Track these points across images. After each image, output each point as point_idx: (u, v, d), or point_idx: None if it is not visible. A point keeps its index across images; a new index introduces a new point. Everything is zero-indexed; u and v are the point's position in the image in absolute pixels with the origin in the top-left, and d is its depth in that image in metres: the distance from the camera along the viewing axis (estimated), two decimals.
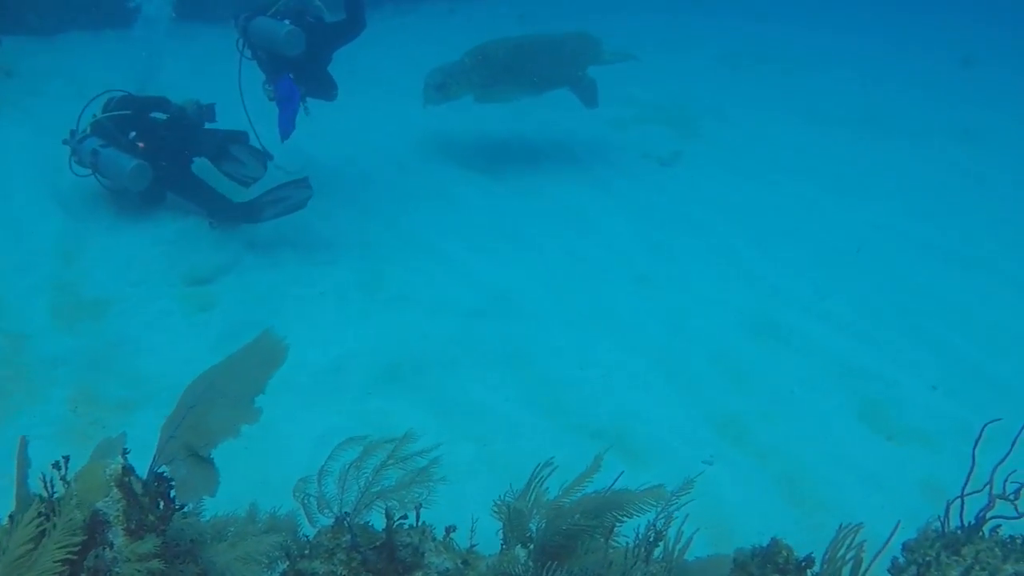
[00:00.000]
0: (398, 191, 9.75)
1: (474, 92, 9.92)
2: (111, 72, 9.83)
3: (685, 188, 10.49)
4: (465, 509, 5.42)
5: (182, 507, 3.85)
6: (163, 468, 3.86)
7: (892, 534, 4.18)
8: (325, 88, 9.27)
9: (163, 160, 8.31)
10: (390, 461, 4.20)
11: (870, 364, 7.24)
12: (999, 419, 4.22)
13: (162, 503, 3.77)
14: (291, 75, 8.83)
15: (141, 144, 8.27)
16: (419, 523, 4.13)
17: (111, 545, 3.39)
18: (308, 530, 4.17)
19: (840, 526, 4.14)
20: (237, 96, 8.88)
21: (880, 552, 4.10)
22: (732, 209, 9.97)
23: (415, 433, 4.43)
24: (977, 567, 4.03)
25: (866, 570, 4.10)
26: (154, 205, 8.58)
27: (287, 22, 8.60)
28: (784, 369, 7.09)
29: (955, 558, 4.13)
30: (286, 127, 8.83)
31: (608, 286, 8.14)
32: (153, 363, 6.59)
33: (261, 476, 5.53)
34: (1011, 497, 4.03)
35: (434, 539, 4.15)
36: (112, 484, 3.54)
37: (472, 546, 4.22)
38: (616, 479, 4.23)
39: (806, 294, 8.24)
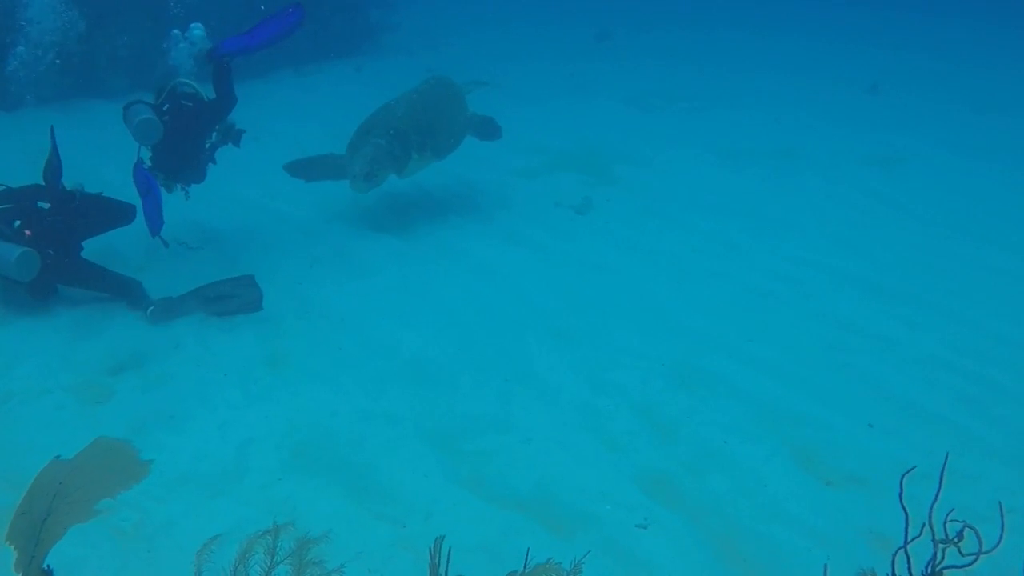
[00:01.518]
0: (301, 257, 9.41)
1: (396, 168, 9.66)
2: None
3: (600, 235, 10.24)
4: None
5: None
6: None
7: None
8: (194, 172, 9.06)
9: (51, 248, 7.81)
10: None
11: (801, 406, 7.00)
12: (913, 467, 4.10)
13: None
14: (145, 165, 8.57)
15: (28, 232, 7.79)
16: None
17: None
18: None
19: None
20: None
21: None
22: (649, 254, 9.76)
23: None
24: None
25: None
26: (43, 299, 8.04)
27: (146, 111, 8.36)
28: (713, 419, 6.82)
29: None
30: (152, 221, 8.44)
31: (525, 343, 7.83)
32: (43, 463, 6.13)
33: None
34: (955, 540, 3.74)
35: None
36: None
37: None
38: None
39: (730, 338, 7.99)
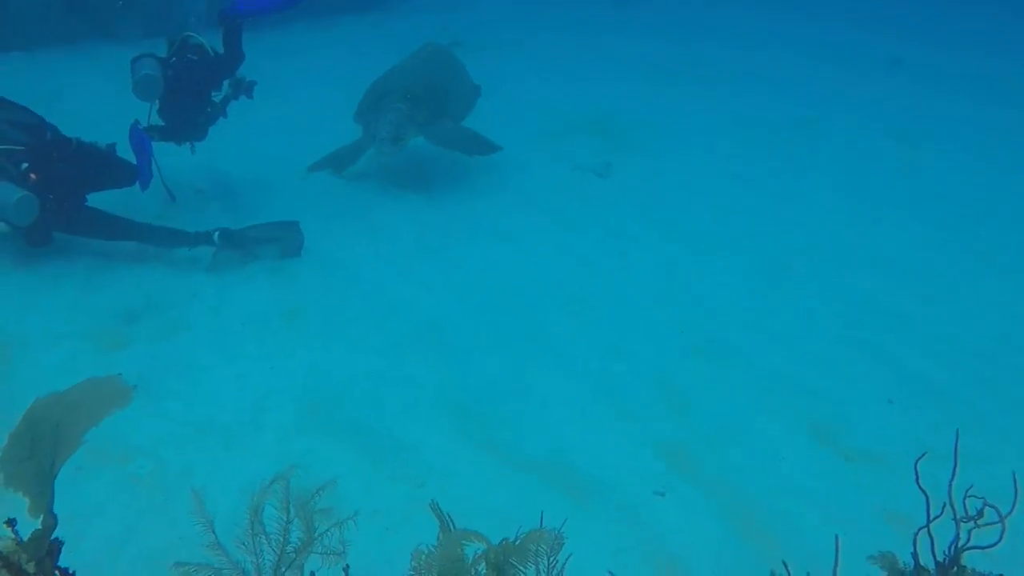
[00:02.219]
0: (319, 213, 9.29)
1: (424, 133, 9.62)
2: None
3: (619, 201, 10.14)
4: (401, 558, 5.05)
5: None
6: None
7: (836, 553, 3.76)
8: (195, 129, 8.97)
9: (52, 194, 7.61)
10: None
11: (818, 381, 6.96)
12: (924, 453, 3.96)
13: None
14: (142, 125, 8.46)
15: (33, 176, 7.54)
16: None
17: None
18: None
19: None
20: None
21: None
22: (668, 222, 9.66)
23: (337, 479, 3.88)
24: None
25: None
26: (39, 245, 7.90)
27: (148, 66, 8.28)
28: (730, 391, 6.79)
29: None
30: (143, 176, 8.31)
31: (543, 310, 7.78)
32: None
33: (180, 530, 5.11)
34: (975, 518, 3.71)
35: None
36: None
37: None
38: None
39: (748, 310, 7.94)
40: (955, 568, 3.85)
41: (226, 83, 9.03)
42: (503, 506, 5.46)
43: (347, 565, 3.70)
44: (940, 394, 6.92)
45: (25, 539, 3.25)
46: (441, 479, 5.72)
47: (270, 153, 10.59)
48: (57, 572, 3.42)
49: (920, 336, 7.66)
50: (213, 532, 3.94)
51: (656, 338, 7.42)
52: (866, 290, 8.40)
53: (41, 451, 3.54)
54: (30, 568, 3.20)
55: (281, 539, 3.78)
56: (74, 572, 3.40)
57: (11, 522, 3.24)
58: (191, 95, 8.68)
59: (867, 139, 12.49)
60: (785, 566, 3.73)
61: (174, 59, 8.53)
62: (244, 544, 3.83)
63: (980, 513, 3.71)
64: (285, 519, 3.82)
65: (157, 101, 8.56)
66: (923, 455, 3.86)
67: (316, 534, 3.76)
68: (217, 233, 8.01)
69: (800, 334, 7.60)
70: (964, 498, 3.70)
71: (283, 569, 3.71)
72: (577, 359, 7.12)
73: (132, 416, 6.08)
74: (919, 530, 3.91)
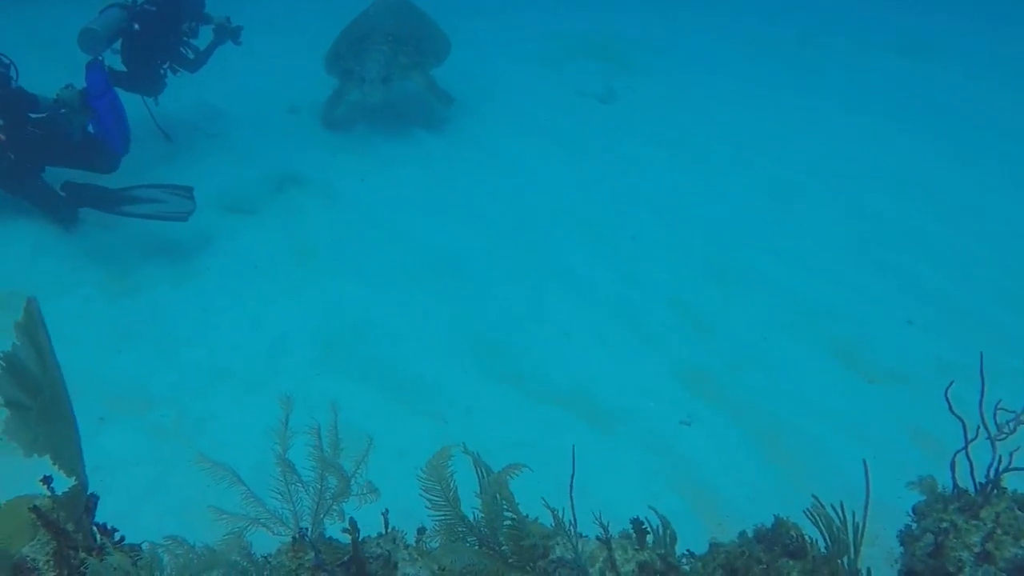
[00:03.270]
0: (323, 148, 9.16)
1: (403, 75, 9.31)
2: None
3: (626, 126, 9.98)
4: None
5: (121, 539, 3.40)
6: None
7: (867, 480, 3.71)
8: (153, 82, 8.55)
9: (12, 154, 7.27)
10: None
11: (838, 302, 6.93)
12: (952, 382, 3.83)
13: (98, 535, 3.35)
14: (103, 66, 7.74)
15: (2, 136, 7.23)
16: (388, 529, 3.69)
17: None
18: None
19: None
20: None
21: (866, 509, 3.68)
22: (677, 146, 9.52)
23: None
24: (999, 530, 3.69)
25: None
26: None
27: (96, 22, 7.71)
28: (750, 315, 6.75)
29: (974, 522, 3.78)
30: (111, 135, 7.63)
31: (556, 238, 7.71)
32: (80, 358, 6.03)
33: (207, 478, 5.04)
34: (1009, 431, 3.67)
35: (406, 545, 3.71)
36: (39, 524, 3.08)
37: (443, 542, 3.74)
38: None
39: (763, 232, 7.87)
40: (994, 490, 3.82)
41: (211, 28, 8.80)
42: (528, 439, 5.43)
43: (386, 509, 3.65)
44: (960, 311, 6.90)
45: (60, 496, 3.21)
46: (464, 414, 5.70)
47: (265, 90, 10.30)
48: (95, 528, 3.38)
49: (937, 253, 7.62)
50: (242, 482, 3.84)
51: (673, 263, 7.36)
52: (881, 208, 8.33)
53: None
54: (69, 527, 3.15)
55: (319, 486, 3.71)
56: (113, 528, 3.37)
57: (47, 480, 3.19)
58: (148, 46, 8.31)
59: (870, 54, 12.28)
60: (816, 500, 3.66)
61: (137, 7, 8.12)
62: (280, 493, 3.76)
63: (1013, 427, 3.68)
64: (320, 467, 3.74)
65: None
66: (951, 383, 3.77)
67: (350, 477, 3.69)
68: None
69: (816, 255, 7.54)
70: (995, 413, 3.66)
71: (321, 515, 3.65)
72: (595, 286, 7.07)
73: (151, 363, 6.04)
74: (956, 453, 3.87)
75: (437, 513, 3.64)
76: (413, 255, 7.40)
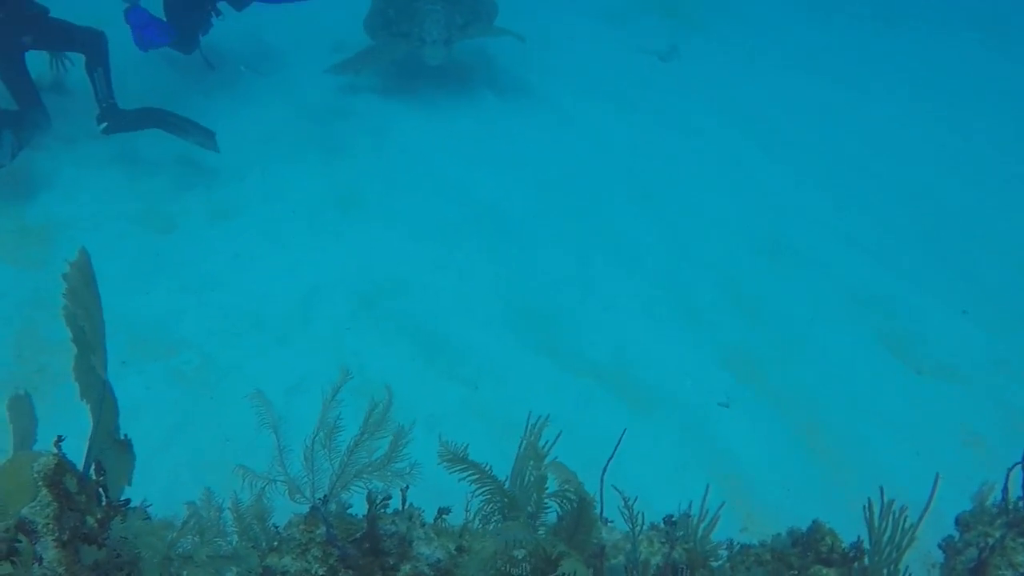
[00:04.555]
0: (377, 97, 8.87)
1: (462, 34, 8.83)
2: None
3: (686, 88, 9.63)
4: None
5: (125, 503, 3.26)
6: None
7: (932, 494, 3.47)
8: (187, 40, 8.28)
9: None
10: (365, 434, 3.47)
11: (894, 289, 6.66)
12: None
13: (104, 499, 3.21)
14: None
15: None
16: (405, 505, 3.52)
17: (40, 560, 2.81)
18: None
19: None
20: None
21: (922, 517, 3.45)
22: (737, 111, 9.17)
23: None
24: None
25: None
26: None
27: None
28: (800, 297, 6.51)
29: (1022, 541, 3.57)
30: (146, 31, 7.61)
31: (608, 202, 7.46)
32: (107, 296, 5.91)
33: (226, 431, 4.95)
34: None
35: (423, 524, 3.54)
36: (41, 484, 2.94)
37: (468, 523, 3.55)
38: None
39: (822, 209, 7.58)
40: None
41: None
42: (560, 413, 5.21)
43: (406, 485, 3.46)
44: (1018, 303, 6.58)
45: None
46: (496, 382, 5.53)
47: (322, 27, 10.05)
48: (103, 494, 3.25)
49: (1001, 245, 7.28)
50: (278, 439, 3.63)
51: (725, 237, 7.11)
52: (946, 194, 7.97)
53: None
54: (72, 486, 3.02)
55: (345, 458, 3.51)
56: (126, 500, 3.23)
57: (59, 440, 3.06)
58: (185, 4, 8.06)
59: (951, 32, 11.70)
60: (870, 503, 3.45)
61: None
62: (306, 459, 3.57)
63: None
64: (354, 441, 3.52)
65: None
66: None
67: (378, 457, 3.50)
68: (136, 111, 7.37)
69: (875, 238, 7.26)
70: None
71: (339, 489, 3.48)
72: (643, 256, 6.84)
73: (179, 306, 5.92)
74: (1013, 467, 3.66)
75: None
76: (460, 208, 7.20)
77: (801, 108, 9.35)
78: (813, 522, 3.63)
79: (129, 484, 3.40)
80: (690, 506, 3.64)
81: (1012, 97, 9.92)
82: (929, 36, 11.48)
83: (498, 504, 3.41)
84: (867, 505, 3.44)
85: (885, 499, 3.42)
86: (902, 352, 6.05)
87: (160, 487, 4.57)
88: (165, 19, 7.87)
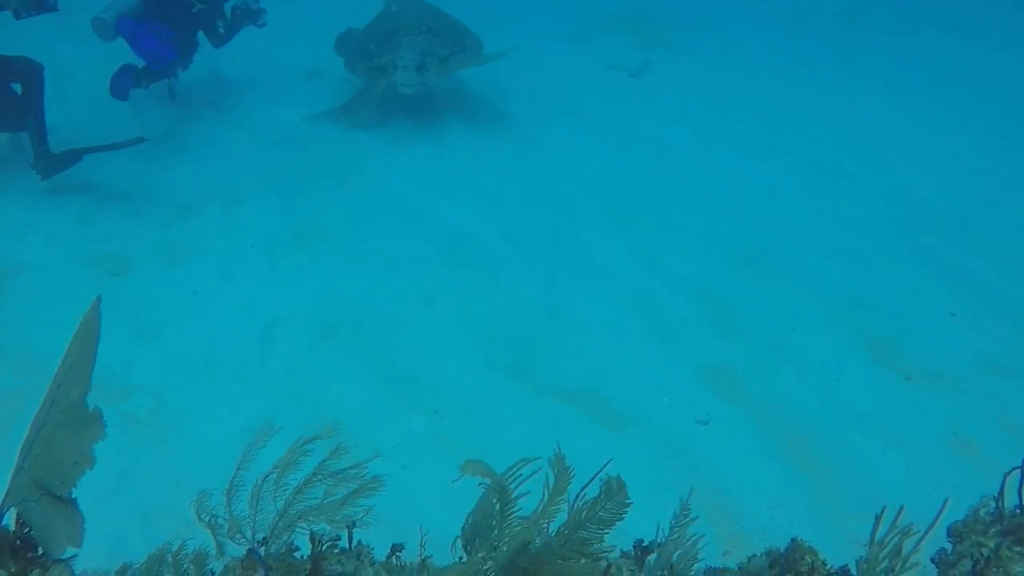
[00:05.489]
0: (339, 130, 8.66)
1: (441, 70, 8.62)
2: None
3: (656, 105, 9.45)
4: (415, 500, 4.65)
5: (41, 556, 3.00)
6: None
7: (939, 513, 3.22)
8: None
9: None
10: (317, 475, 3.23)
11: (875, 294, 6.43)
12: None
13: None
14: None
15: None
16: (352, 544, 3.26)
17: None
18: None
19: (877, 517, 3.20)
20: None
21: (923, 537, 3.18)
22: (709, 125, 9.01)
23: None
24: None
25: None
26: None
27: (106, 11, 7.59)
28: (779, 306, 6.27)
29: (1019, 549, 3.31)
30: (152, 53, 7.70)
31: (575, 223, 7.24)
32: (55, 343, 5.68)
33: (175, 478, 4.69)
34: None
35: (374, 563, 3.27)
36: None
37: (425, 558, 3.29)
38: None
39: (796, 217, 7.37)
40: None
41: (227, 7, 8.56)
42: (529, 438, 5.02)
43: (352, 522, 3.22)
44: (1007, 305, 6.37)
45: None
46: (462, 410, 5.28)
47: (279, 61, 9.92)
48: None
49: (984, 242, 7.06)
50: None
51: (699, 250, 6.89)
52: (924, 193, 7.78)
53: None
54: None
55: (291, 498, 3.27)
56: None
57: None
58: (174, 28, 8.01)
59: (919, 32, 11.61)
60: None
61: None
62: (252, 499, 3.33)
63: None
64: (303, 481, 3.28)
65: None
66: None
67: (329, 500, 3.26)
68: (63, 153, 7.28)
69: (854, 242, 7.04)
70: None
71: (282, 529, 3.23)
72: (614, 275, 6.61)
73: (132, 349, 5.68)
74: (1011, 471, 3.40)
75: None
76: (424, 238, 6.98)
77: (775, 117, 9.21)
78: (792, 540, 3.36)
79: (76, 546, 3.12)
80: (657, 529, 3.38)
81: (988, 95, 9.78)
82: (901, 38, 11.35)
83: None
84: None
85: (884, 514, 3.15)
86: (889, 358, 5.80)
87: (105, 536, 4.34)
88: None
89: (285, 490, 3.21)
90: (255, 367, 5.56)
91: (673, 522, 3.34)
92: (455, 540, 3.11)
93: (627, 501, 2.90)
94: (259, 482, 3.21)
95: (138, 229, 6.92)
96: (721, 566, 3.44)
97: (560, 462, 2.98)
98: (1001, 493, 3.45)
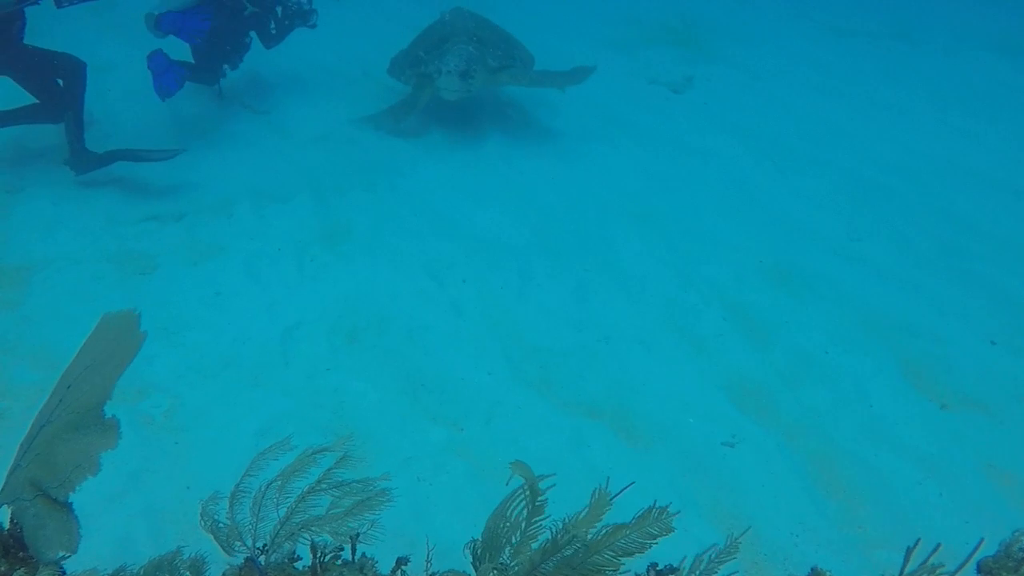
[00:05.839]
0: (375, 134, 8.58)
1: (490, 79, 8.47)
2: None
3: (699, 116, 9.31)
4: (430, 513, 4.55)
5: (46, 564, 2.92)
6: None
7: (974, 552, 3.06)
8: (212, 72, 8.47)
9: None
10: (322, 484, 3.13)
11: (914, 316, 6.24)
12: None
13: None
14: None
15: None
16: (355, 556, 3.16)
17: None
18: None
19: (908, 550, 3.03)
20: None
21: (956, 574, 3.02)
22: (751, 137, 8.83)
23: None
24: None
25: None
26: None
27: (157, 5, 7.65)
28: (813, 324, 6.10)
29: None
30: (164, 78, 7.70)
31: (609, 230, 7.11)
32: (75, 338, 5.62)
33: (187, 479, 4.61)
34: None
35: (377, 575, 3.17)
36: None
37: (432, 573, 3.18)
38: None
39: (836, 233, 7.19)
40: None
41: (278, 9, 8.58)
42: (551, 453, 4.90)
43: (356, 533, 3.11)
44: None
45: None
46: (483, 422, 5.16)
47: (326, 64, 9.91)
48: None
49: None
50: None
51: (734, 264, 6.73)
52: (969, 214, 7.55)
53: None
54: None
55: (294, 506, 3.16)
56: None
57: None
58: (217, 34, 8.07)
59: (967, 51, 11.35)
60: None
61: None
62: (254, 505, 3.23)
63: None
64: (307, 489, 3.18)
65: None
66: None
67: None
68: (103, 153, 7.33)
69: (893, 262, 6.85)
70: None
71: (284, 538, 3.13)
72: (646, 287, 6.46)
73: (152, 348, 5.58)
74: None
75: None
76: (454, 243, 6.86)
77: (816, 129, 9.03)
78: (812, 569, 3.22)
79: (71, 551, 3.03)
80: (683, 560, 3.23)
81: None
82: (951, 56, 11.11)
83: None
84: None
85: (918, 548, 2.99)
86: (925, 384, 5.61)
87: (111, 538, 4.27)
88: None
89: (289, 497, 3.11)
90: (276, 370, 5.47)
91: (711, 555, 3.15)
92: (466, 545, 3.00)
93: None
94: (263, 489, 3.12)
95: (166, 228, 6.87)
96: None
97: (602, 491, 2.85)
98: None
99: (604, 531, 2.81)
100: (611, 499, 2.80)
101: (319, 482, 3.08)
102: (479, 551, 3.00)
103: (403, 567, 3.20)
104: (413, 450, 4.87)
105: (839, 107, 9.64)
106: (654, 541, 2.84)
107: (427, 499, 4.57)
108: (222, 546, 3.11)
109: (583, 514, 2.77)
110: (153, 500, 4.51)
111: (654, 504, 2.81)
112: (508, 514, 2.95)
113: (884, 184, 7.98)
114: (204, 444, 4.85)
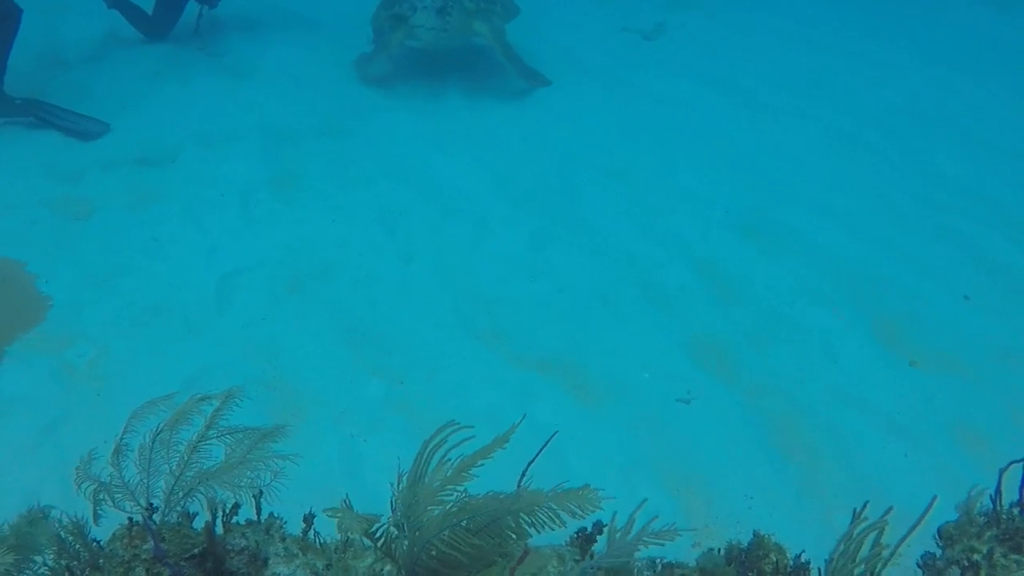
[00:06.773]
0: (335, 79, 8.29)
1: (468, 25, 8.08)
2: None
3: (670, 65, 8.97)
4: (362, 470, 4.29)
5: None
6: None
7: (924, 514, 2.80)
8: None
9: None
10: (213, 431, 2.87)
11: (886, 272, 5.97)
12: None
13: None
14: None
15: None
16: (259, 516, 2.88)
17: None
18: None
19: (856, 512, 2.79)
20: None
21: (906, 538, 2.77)
22: (724, 87, 8.51)
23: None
24: None
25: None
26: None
27: None
28: (782, 279, 5.84)
29: (1015, 557, 2.90)
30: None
31: (572, 179, 6.84)
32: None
33: (106, 431, 4.31)
34: None
35: (284, 537, 2.89)
36: None
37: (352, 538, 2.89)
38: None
39: (810, 187, 6.90)
40: None
41: None
42: (495, 408, 4.64)
43: (260, 490, 2.84)
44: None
45: None
46: (426, 376, 4.91)
47: (286, 8, 9.59)
48: None
49: (1007, 224, 6.55)
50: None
51: (701, 215, 6.47)
52: (948, 169, 7.26)
53: None
54: None
55: (185, 458, 2.90)
56: None
57: None
58: None
59: (958, 3, 11.00)
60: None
61: None
62: (140, 458, 2.96)
63: None
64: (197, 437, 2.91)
65: None
66: None
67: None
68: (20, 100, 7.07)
69: (869, 215, 6.58)
70: None
71: (180, 495, 2.86)
72: (608, 239, 6.20)
73: (81, 295, 5.37)
74: (1009, 464, 2.99)
75: None
76: (408, 191, 6.61)
77: (797, 83, 8.66)
78: (754, 535, 2.96)
79: None
80: (613, 517, 2.97)
81: (1019, 67, 9.21)
82: (938, 10, 10.75)
83: None
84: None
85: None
86: (895, 340, 5.35)
87: (20, 493, 3.99)
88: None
89: (177, 450, 2.84)
90: (210, 318, 5.23)
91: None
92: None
93: None
94: (149, 441, 2.85)
95: (107, 172, 6.62)
96: (679, 560, 3.04)
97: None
98: (998, 491, 3.05)
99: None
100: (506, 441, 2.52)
101: (207, 428, 2.81)
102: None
103: (310, 524, 2.93)
104: (350, 403, 4.64)
105: (822, 60, 9.27)
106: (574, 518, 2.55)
107: (360, 455, 4.31)
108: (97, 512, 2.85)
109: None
110: (68, 454, 4.22)
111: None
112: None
113: (863, 138, 7.68)
114: (128, 395, 4.54)
